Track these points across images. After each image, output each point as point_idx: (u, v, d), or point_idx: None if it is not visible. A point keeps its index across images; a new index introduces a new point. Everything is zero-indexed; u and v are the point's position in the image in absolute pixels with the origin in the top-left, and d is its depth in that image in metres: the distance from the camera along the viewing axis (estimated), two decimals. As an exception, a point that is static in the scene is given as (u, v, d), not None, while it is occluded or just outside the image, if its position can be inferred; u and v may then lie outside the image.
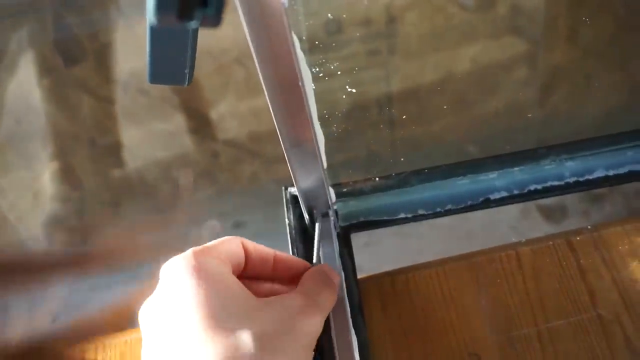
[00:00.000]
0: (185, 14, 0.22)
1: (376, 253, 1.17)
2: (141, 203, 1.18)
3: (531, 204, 1.13)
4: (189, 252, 0.34)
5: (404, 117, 1.18)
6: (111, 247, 1.18)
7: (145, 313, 0.34)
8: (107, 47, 0.91)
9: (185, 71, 0.37)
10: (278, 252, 0.39)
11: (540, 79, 1.15)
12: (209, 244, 0.36)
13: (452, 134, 1.19)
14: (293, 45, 0.32)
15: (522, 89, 1.16)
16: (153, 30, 0.34)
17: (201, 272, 0.33)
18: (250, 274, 0.38)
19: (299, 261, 0.40)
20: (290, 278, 0.39)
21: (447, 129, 1.18)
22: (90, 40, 0.90)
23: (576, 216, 1.11)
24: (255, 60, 0.32)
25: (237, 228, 1.19)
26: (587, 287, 0.44)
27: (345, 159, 1.19)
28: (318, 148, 0.39)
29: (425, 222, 1.33)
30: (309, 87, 0.36)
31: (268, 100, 0.34)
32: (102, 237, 1.18)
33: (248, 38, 0.31)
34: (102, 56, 0.93)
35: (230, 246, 0.36)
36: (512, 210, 1.13)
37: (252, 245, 0.38)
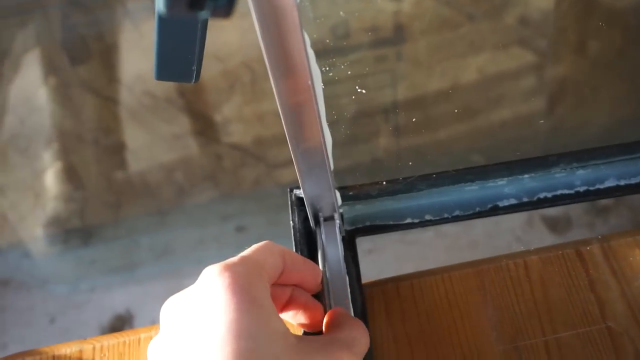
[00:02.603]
0: (196, 3, 0.21)
1: (379, 260, 1.17)
2: (143, 205, 1.18)
3: (536, 215, 1.12)
4: (238, 264, 0.31)
5: (410, 124, 1.17)
6: (112, 249, 1.17)
7: (173, 310, 0.31)
8: (113, 47, 0.91)
9: (193, 68, 0.36)
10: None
11: (547, 90, 1.14)
12: (254, 255, 0.33)
13: (458, 143, 1.18)
14: (304, 42, 0.31)
15: (529, 99, 1.16)
16: (162, 23, 0.33)
17: (244, 295, 0.29)
18: (277, 282, 0.36)
19: (314, 267, 0.38)
20: (310, 285, 0.38)
21: (453, 138, 1.18)
22: (96, 41, 0.90)
23: (581, 228, 1.10)
24: (265, 57, 0.31)
25: (239, 232, 1.19)
26: (596, 298, 0.44)
27: (350, 165, 1.19)
28: (326, 149, 0.39)
29: (429, 230, 1.32)
30: (319, 86, 0.36)
31: (277, 98, 0.34)
32: (103, 239, 1.18)
33: (258, 34, 0.30)
34: (108, 56, 0.92)
35: (275, 262, 0.34)
36: (516, 220, 1.13)
37: (290, 258, 0.35)
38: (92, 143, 1.09)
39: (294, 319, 0.38)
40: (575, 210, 1.12)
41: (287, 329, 0.31)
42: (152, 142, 1.10)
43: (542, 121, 1.15)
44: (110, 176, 1.13)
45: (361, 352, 0.35)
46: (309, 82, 0.33)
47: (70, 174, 1.11)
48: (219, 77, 1.03)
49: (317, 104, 0.35)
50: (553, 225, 1.11)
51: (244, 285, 0.30)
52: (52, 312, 1.15)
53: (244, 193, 1.18)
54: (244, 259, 0.32)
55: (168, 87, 0.99)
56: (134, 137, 1.08)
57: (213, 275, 0.30)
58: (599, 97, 1.11)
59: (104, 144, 1.09)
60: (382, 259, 1.14)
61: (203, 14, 0.22)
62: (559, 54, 1.12)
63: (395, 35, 1.06)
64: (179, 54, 0.35)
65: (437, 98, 1.15)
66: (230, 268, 0.30)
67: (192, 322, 0.30)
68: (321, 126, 0.37)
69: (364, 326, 0.36)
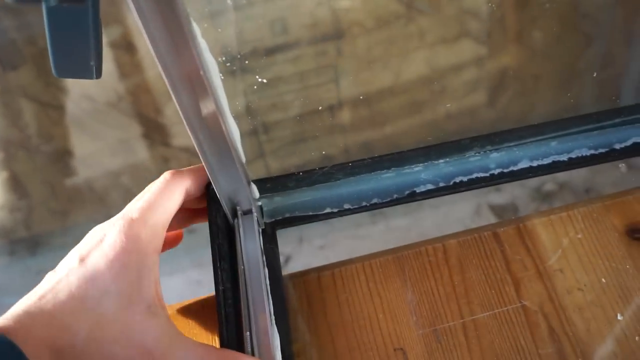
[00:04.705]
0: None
1: (332, 256, 1.17)
2: (91, 211, 1.16)
3: (483, 204, 1.14)
4: (140, 225, 0.37)
5: (358, 119, 1.18)
6: (60, 257, 1.15)
7: (90, 235, 0.37)
8: (47, 51, 0.89)
9: (91, 63, 0.35)
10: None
11: (490, 81, 1.16)
12: (156, 205, 0.38)
13: (404, 137, 1.19)
14: (190, 32, 0.31)
15: (473, 90, 1.17)
16: (50, 16, 0.33)
17: (127, 262, 0.35)
18: None
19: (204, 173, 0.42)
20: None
21: (400, 132, 1.19)
22: (28, 45, 0.88)
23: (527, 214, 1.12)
24: (151, 50, 0.31)
25: (190, 233, 1.17)
26: (513, 278, 0.44)
27: (300, 162, 1.19)
28: (232, 143, 0.39)
29: (380, 224, 1.31)
30: (216, 77, 0.35)
31: (170, 92, 0.33)
32: (51, 247, 1.15)
33: (140, 27, 0.30)
34: (42, 61, 0.91)
35: (176, 204, 0.40)
36: (465, 210, 1.14)
37: (194, 187, 0.42)
38: (34, 150, 1.07)
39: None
40: (521, 198, 1.14)
41: (155, 309, 0.35)
42: (96, 147, 1.08)
43: (487, 111, 1.16)
44: (55, 183, 1.11)
45: None
46: (201, 73, 0.33)
47: (14, 183, 1.09)
48: (159, 79, 1.02)
49: (215, 95, 0.35)
50: (500, 213, 1.12)
51: (131, 257, 0.35)
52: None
53: (193, 195, 1.17)
54: (145, 213, 0.37)
55: (107, 90, 0.97)
56: (76, 142, 1.06)
57: (116, 230, 0.36)
58: (540, 86, 1.12)
59: (46, 151, 1.07)
60: (334, 254, 1.14)
61: (51, 1, 0.21)
62: (500, 44, 1.13)
63: (339, 31, 1.06)
64: (74, 49, 0.35)
65: (382, 92, 1.15)
66: (130, 229, 0.36)
67: (90, 253, 0.35)
68: (224, 119, 0.37)
69: None
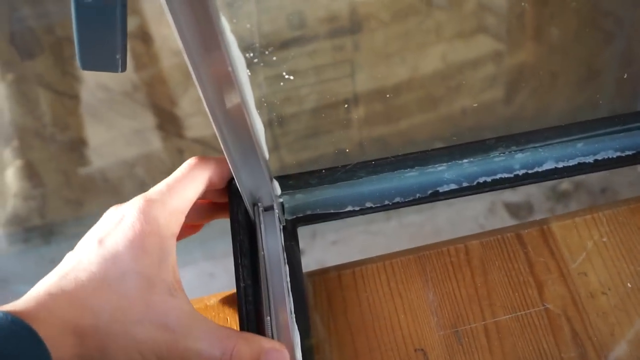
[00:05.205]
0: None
1: (345, 251, 1.16)
2: (105, 201, 1.16)
3: (498, 202, 1.13)
4: (158, 206, 0.37)
5: (373, 114, 1.17)
6: (73, 246, 1.15)
7: (108, 216, 0.37)
8: (64, 40, 0.89)
9: (117, 56, 0.35)
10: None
11: (507, 77, 1.15)
12: (178, 189, 0.38)
13: (420, 133, 1.18)
14: (220, 27, 0.31)
15: (490, 87, 1.16)
16: (79, 9, 0.33)
17: (144, 243, 0.35)
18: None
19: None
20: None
21: (415, 127, 1.18)
22: (46, 33, 0.88)
23: (542, 214, 1.11)
24: (180, 45, 0.31)
25: (204, 225, 1.17)
26: (536, 281, 0.44)
27: (313, 157, 1.18)
28: (257, 138, 0.38)
29: (393, 220, 1.31)
30: (243, 72, 0.35)
31: (197, 87, 0.33)
32: (65, 236, 1.16)
33: (169, 21, 0.29)
34: (59, 50, 0.91)
35: (197, 191, 0.39)
36: (479, 207, 1.13)
37: (217, 176, 0.41)
38: (49, 139, 1.07)
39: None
40: (536, 196, 1.13)
41: (172, 289, 0.35)
42: (111, 137, 1.08)
43: (503, 108, 1.15)
44: (69, 173, 1.11)
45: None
46: (229, 69, 0.32)
47: (29, 171, 1.09)
48: (175, 70, 1.02)
49: (241, 91, 0.35)
50: (515, 211, 1.11)
51: (150, 240, 0.35)
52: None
53: (206, 187, 1.17)
54: (165, 196, 0.37)
55: (122, 80, 0.97)
56: (91, 132, 1.06)
57: (135, 212, 0.36)
58: (558, 83, 1.11)
59: (61, 140, 1.07)
60: (347, 250, 1.14)
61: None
62: (518, 40, 1.12)
63: (356, 25, 1.05)
64: (100, 42, 0.35)
65: (398, 87, 1.15)
66: (149, 211, 0.36)
67: (109, 234, 0.35)
68: (249, 114, 0.37)
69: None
